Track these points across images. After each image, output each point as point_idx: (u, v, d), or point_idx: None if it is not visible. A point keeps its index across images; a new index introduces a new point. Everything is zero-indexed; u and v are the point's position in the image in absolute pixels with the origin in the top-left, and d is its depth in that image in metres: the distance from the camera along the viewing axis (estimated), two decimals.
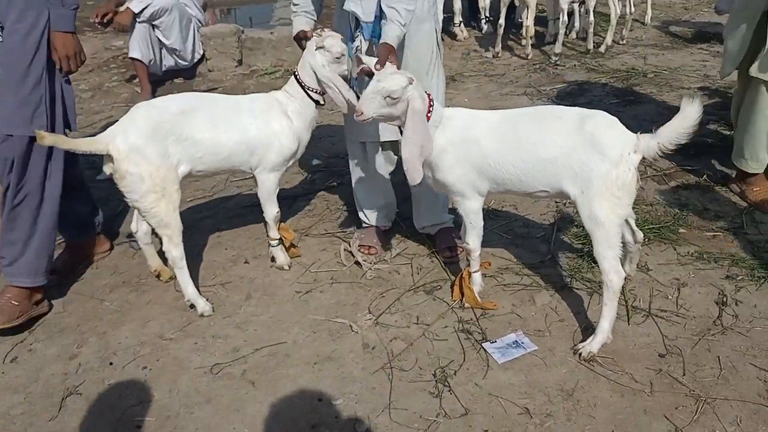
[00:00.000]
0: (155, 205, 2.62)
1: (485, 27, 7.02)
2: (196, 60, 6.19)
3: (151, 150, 2.58)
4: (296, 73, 2.85)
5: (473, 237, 2.64)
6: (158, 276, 3.07)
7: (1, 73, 2.57)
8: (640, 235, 2.61)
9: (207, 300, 2.86)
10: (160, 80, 6.07)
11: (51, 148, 2.66)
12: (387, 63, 2.42)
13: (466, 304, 2.74)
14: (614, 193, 2.24)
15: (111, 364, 2.56)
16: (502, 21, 6.08)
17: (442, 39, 6.41)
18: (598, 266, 2.40)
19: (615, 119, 2.32)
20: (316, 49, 2.74)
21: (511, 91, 5.40)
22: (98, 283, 3.12)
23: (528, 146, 2.34)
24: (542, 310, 2.71)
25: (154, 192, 2.59)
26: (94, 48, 7.51)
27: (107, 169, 2.63)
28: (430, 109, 2.43)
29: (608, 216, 2.26)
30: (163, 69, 5.95)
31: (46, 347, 2.69)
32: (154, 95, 5.74)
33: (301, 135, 2.88)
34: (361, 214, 3.31)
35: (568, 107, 2.49)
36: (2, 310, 2.70)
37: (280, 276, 3.07)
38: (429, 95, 2.46)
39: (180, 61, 6.02)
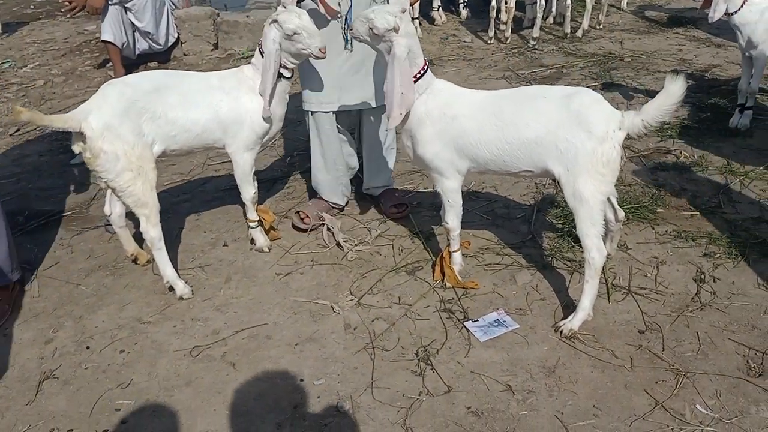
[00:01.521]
0: (131, 184, 2.57)
1: (464, 12, 6.99)
2: (170, 43, 6.07)
3: (126, 128, 2.53)
4: (259, 44, 2.76)
5: (452, 216, 2.63)
6: (135, 260, 3.02)
7: None
8: (621, 213, 2.63)
9: (186, 283, 2.82)
10: (134, 64, 5.94)
11: None
12: None
13: (448, 284, 2.73)
14: (599, 170, 2.24)
15: (88, 348, 2.52)
16: (494, 3, 6.04)
17: (420, 24, 6.46)
18: (578, 246, 2.42)
19: (600, 96, 2.33)
20: (270, 22, 2.65)
21: (489, 75, 5.40)
22: (73, 267, 3.05)
23: (512, 127, 2.33)
24: (523, 289, 2.71)
25: (129, 170, 2.54)
26: (67, 32, 7.36)
27: (76, 148, 2.57)
28: (422, 73, 2.43)
29: (593, 193, 2.26)
30: (137, 52, 5.82)
31: (22, 332, 2.63)
32: None
33: (274, 110, 2.80)
34: (313, 184, 3.36)
35: (551, 86, 2.48)
36: None
37: (260, 258, 3.04)
38: (426, 61, 2.46)
39: (154, 44, 5.90)
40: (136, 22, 5.64)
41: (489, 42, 6.21)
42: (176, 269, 2.89)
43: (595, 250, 2.34)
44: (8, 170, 4.13)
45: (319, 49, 2.62)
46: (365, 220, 3.31)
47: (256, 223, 3.02)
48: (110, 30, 5.43)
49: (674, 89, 2.18)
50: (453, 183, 2.56)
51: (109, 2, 5.38)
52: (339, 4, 2.82)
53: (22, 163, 4.24)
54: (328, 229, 3.16)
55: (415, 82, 2.41)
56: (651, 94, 4.69)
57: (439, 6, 6.87)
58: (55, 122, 2.49)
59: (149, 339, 2.55)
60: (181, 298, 2.77)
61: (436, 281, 2.78)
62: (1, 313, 2.68)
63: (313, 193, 3.46)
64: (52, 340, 2.57)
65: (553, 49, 5.97)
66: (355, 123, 3.28)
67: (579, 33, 6.23)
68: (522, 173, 2.44)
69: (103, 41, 5.51)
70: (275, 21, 2.62)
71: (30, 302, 2.82)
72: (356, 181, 3.49)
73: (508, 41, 6.20)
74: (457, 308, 2.62)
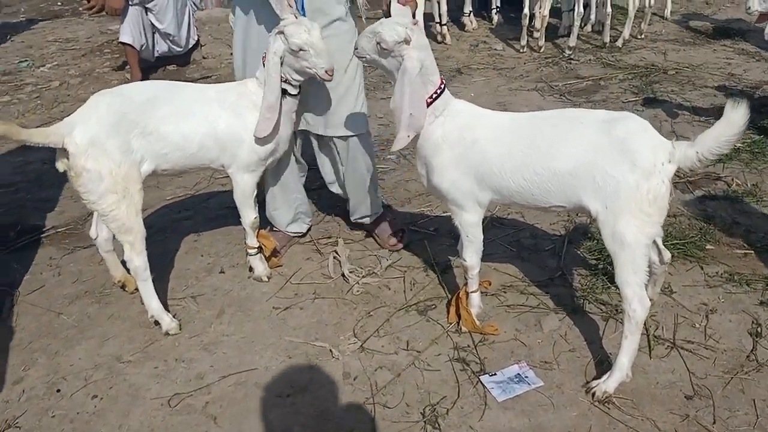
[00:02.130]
0: (115, 208, 2.32)
1: (496, 18, 6.66)
2: (190, 46, 5.86)
3: (113, 144, 2.28)
4: (264, 56, 2.47)
5: (471, 253, 2.31)
6: (123, 287, 2.76)
7: None
8: (667, 255, 2.28)
9: (174, 316, 2.56)
10: (153, 66, 5.75)
11: None
12: (405, 5, 2.20)
13: (463, 328, 2.41)
14: (644, 209, 1.91)
15: (58, 391, 2.26)
16: (527, 10, 5.69)
17: (448, 29, 6.14)
18: (614, 286, 2.08)
19: (646, 123, 1.99)
20: (276, 33, 2.37)
21: (520, 86, 5.05)
22: (58, 292, 2.81)
23: (542, 154, 2.01)
24: (550, 337, 2.38)
25: (114, 192, 2.29)
26: (90, 31, 7.22)
27: (60, 165, 2.32)
28: (438, 92, 2.13)
29: (636, 236, 1.93)
30: (156, 55, 5.63)
31: None
32: None
33: (280, 134, 2.53)
34: (267, 215, 3.03)
35: (590, 110, 2.14)
36: None
37: (258, 288, 2.76)
38: (443, 79, 2.16)
39: (174, 46, 5.70)
40: (156, 24, 5.45)
41: (521, 50, 5.85)
42: (166, 298, 2.65)
43: (637, 301, 2.00)
44: (8, 178, 3.92)
45: (326, 71, 2.35)
46: (375, 247, 3.00)
47: (256, 250, 2.75)
48: (129, 31, 5.27)
49: (735, 118, 1.83)
50: (473, 216, 2.24)
51: (130, 3, 5.21)
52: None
53: (24, 171, 4.04)
54: (335, 257, 2.86)
55: (430, 102, 2.11)
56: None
57: (470, 11, 6.54)
58: (35, 137, 2.24)
59: (126, 383, 2.28)
60: (167, 334, 2.50)
61: (450, 324, 2.46)
62: None
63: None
64: (21, 380, 2.32)
65: (590, 60, 5.59)
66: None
67: (619, 42, 5.84)
68: (553, 208, 2.12)
69: (122, 43, 5.34)
70: (281, 32, 2.34)
71: (4, 332, 2.57)
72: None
73: (542, 50, 5.84)
74: (472, 358, 2.30)
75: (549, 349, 2.33)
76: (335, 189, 3.02)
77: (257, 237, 2.75)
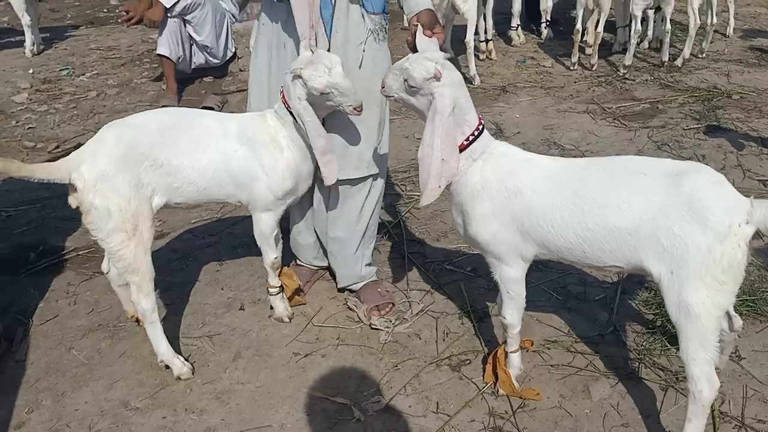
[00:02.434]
0: (123, 247, 2.16)
1: (545, 32, 6.37)
2: (227, 58, 5.75)
3: (122, 178, 2.12)
4: (281, 91, 2.29)
5: (512, 311, 2.06)
6: (137, 321, 2.60)
7: None
8: (738, 322, 2.00)
9: (188, 358, 2.39)
10: (189, 78, 5.67)
11: None
12: (432, 38, 2.01)
13: (501, 391, 2.17)
14: (717, 277, 1.64)
15: None
16: (579, 26, 5.40)
17: (494, 43, 5.87)
18: (675, 348, 1.81)
19: (720, 177, 1.72)
20: (293, 78, 2.15)
21: (570, 108, 4.76)
22: (71, 324, 2.66)
23: (597, 209, 1.75)
24: (599, 407, 2.11)
25: (122, 231, 2.13)
26: (132, 40, 7.20)
27: (72, 200, 2.18)
28: (475, 134, 1.90)
29: (706, 306, 1.66)
30: (193, 66, 5.55)
31: None
32: (180, 95, 5.36)
33: (299, 168, 2.32)
34: (292, 246, 2.82)
35: (654, 159, 1.87)
36: None
37: (279, 330, 2.56)
38: (480, 119, 1.92)
39: (211, 58, 5.60)
40: (194, 36, 5.37)
41: (572, 68, 5.56)
42: (180, 336, 2.48)
43: (705, 380, 1.73)
44: (34, 194, 3.83)
45: (354, 108, 2.13)
46: (406, 287, 2.78)
47: (277, 289, 2.55)
48: (167, 44, 5.20)
49: None
50: (515, 271, 1.99)
51: (168, 15, 5.12)
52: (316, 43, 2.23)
53: (51, 186, 3.89)
54: (354, 306, 2.65)
55: (466, 146, 1.88)
56: (765, 143, 3.96)
57: (518, 25, 6.27)
58: (38, 173, 2.10)
59: None
60: (178, 378, 2.32)
61: (486, 384, 2.22)
62: None
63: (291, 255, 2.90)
64: (23, 425, 2.17)
65: (647, 80, 5.25)
66: None
67: (678, 62, 5.49)
68: (608, 268, 1.86)
69: (159, 55, 5.26)
70: (298, 76, 2.10)
71: (13, 367, 2.43)
72: (392, 239, 2.97)
73: (594, 68, 5.53)
74: (510, 428, 2.05)
75: (598, 421, 2.06)
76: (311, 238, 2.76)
77: (279, 276, 2.55)
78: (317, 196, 2.58)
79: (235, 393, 2.27)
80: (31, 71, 6.13)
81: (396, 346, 2.45)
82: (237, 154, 2.24)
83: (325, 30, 2.21)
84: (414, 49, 2.00)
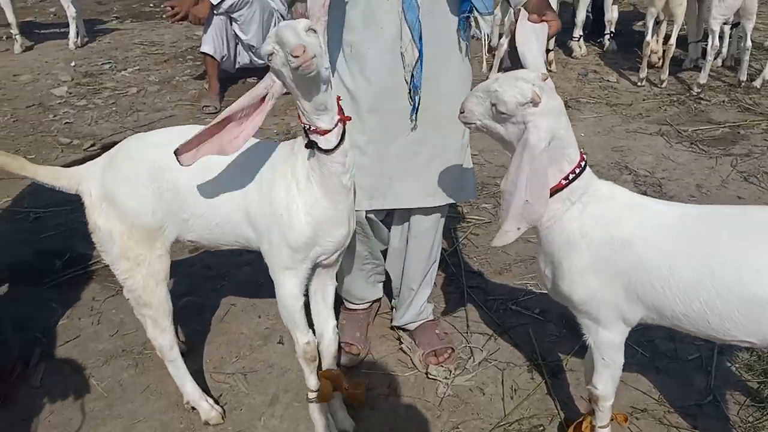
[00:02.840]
0: (129, 276, 1.89)
1: (608, 44, 5.98)
2: None
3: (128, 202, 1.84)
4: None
5: (605, 380, 1.72)
6: None
7: None
8: None
9: (219, 397, 2.11)
10: (232, 78, 5.43)
11: None
12: (540, 24, 1.69)
13: None
14: None
15: None
16: (649, 37, 5.01)
17: (554, 54, 5.50)
18: None
19: None
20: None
21: (640, 128, 4.37)
22: (93, 347, 2.41)
23: (730, 271, 1.42)
24: None
25: (125, 258, 1.86)
26: (176, 35, 7.03)
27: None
28: (576, 172, 1.56)
29: None
30: (237, 66, 5.31)
31: None
32: (222, 95, 5.12)
33: (321, 211, 1.69)
34: (342, 293, 2.42)
35: None
36: None
37: None
38: (583, 154, 1.59)
39: (256, 59, 5.33)
40: (240, 34, 5.12)
41: (639, 84, 5.16)
42: (210, 372, 2.21)
43: None
44: (66, 196, 3.58)
45: (292, 53, 1.36)
46: (466, 329, 2.46)
47: (315, 394, 1.92)
48: (211, 42, 4.98)
49: None
50: (614, 336, 1.66)
51: (215, 12, 4.89)
52: (402, 54, 1.88)
53: None
54: (407, 348, 2.34)
55: (564, 185, 1.55)
56: None
57: (580, 36, 5.90)
58: (42, 176, 1.86)
59: None
60: (206, 423, 2.04)
61: None
62: None
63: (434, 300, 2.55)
64: None
65: (723, 101, 4.83)
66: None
67: (757, 83, 5.05)
68: (735, 342, 1.51)
69: (202, 53, 5.04)
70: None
71: (27, 395, 2.18)
72: (449, 269, 2.65)
73: (664, 85, 5.13)
74: None
75: None
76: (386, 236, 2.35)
77: (321, 375, 1.93)
78: (394, 232, 2.26)
79: None
80: (73, 64, 5.98)
81: (456, 401, 2.13)
82: (253, 186, 1.76)
83: (413, 37, 1.85)
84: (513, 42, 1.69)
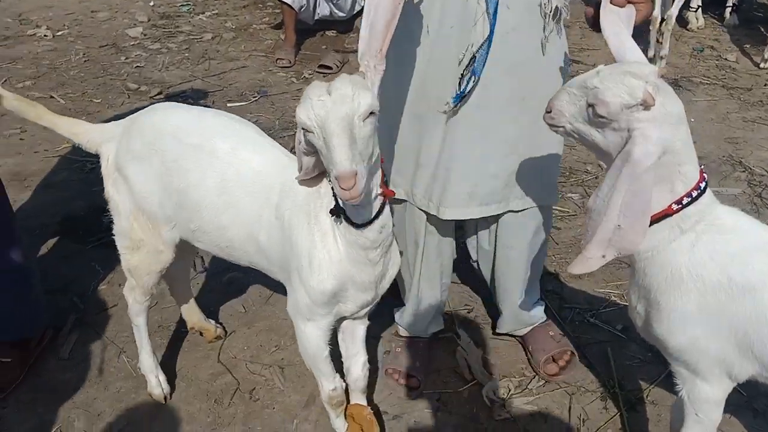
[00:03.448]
0: (126, 253, 1.76)
1: (729, 17, 5.31)
2: (355, 11, 5.18)
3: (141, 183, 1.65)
4: None
5: None
6: (201, 333, 2.17)
7: None
8: None
9: (253, 390, 1.93)
10: (311, 30, 5.17)
11: None
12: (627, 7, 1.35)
13: None
14: None
15: None
16: None
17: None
18: None
19: None
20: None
21: (760, 118, 3.82)
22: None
23: None
24: None
25: (128, 237, 1.70)
26: None
27: None
28: (693, 195, 1.23)
29: None
30: (316, 17, 5.04)
31: (20, 418, 1.89)
32: (298, 48, 4.87)
33: (346, 268, 1.41)
34: (397, 315, 2.13)
35: None
36: None
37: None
38: (703, 172, 1.25)
39: (336, 11, 5.07)
40: None
41: (762, 66, 4.54)
42: (247, 360, 2.06)
43: None
44: None
45: (337, 177, 1.11)
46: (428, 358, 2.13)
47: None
48: None
49: None
50: (714, 392, 1.34)
51: None
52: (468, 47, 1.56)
53: None
54: (467, 360, 2.06)
55: (675, 211, 1.22)
56: None
57: (698, 6, 5.26)
58: (61, 127, 1.72)
59: None
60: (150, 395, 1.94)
61: None
62: (4, 381, 1.94)
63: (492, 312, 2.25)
64: None
65: None
66: None
67: None
68: None
69: (280, 1, 4.79)
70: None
71: (54, 368, 2.06)
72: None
73: None
74: None
75: None
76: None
77: (347, 415, 1.75)
78: (482, 235, 1.96)
79: None
80: (152, 3, 5.87)
81: (513, 426, 1.85)
82: (271, 218, 1.48)
83: (487, 8, 1.51)
84: (595, 27, 1.35)
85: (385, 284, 1.50)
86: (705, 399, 1.35)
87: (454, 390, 1.98)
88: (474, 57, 1.55)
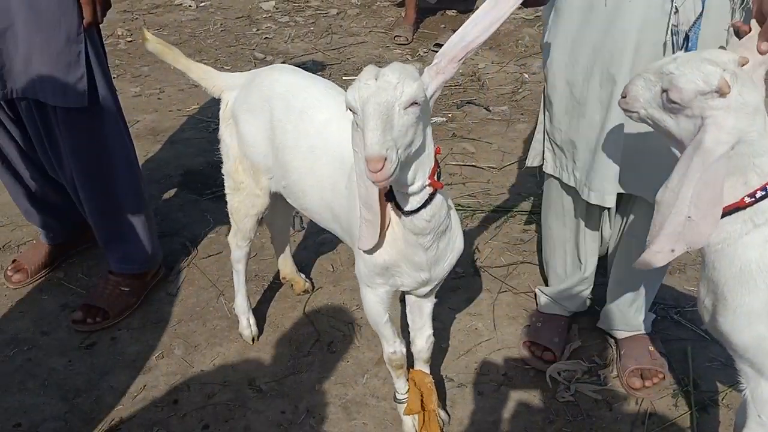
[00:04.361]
0: (229, 194, 1.97)
1: None
2: None
3: (250, 131, 1.81)
4: None
5: None
6: (291, 286, 2.34)
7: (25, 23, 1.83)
8: None
9: (330, 345, 2.07)
10: (432, 9, 5.22)
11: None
12: None
13: None
14: None
15: (175, 402, 1.92)
16: None
17: None
18: None
19: None
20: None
21: None
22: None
23: None
24: None
25: (232, 178, 1.90)
26: None
27: None
28: (767, 189, 1.20)
29: None
30: None
31: (129, 341, 2.15)
32: (417, 26, 4.95)
33: (400, 253, 1.44)
34: (538, 291, 2.17)
35: None
36: None
37: (440, 340, 2.09)
38: None
39: None
40: None
41: None
42: (329, 315, 2.21)
43: None
44: None
45: (367, 159, 1.13)
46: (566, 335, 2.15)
47: (404, 396, 1.80)
48: None
49: None
50: None
51: None
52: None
53: None
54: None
55: (748, 204, 1.19)
56: None
57: None
58: (193, 72, 1.93)
59: (244, 421, 1.86)
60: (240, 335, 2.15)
61: None
62: (121, 307, 2.22)
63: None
64: (149, 370, 2.04)
65: None
66: None
67: None
68: None
69: None
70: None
71: (161, 300, 2.32)
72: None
73: None
74: None
75: None
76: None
77: (408, 379, 1.79)
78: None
79: (365, 408, 1.91)
80: None
81: (575, 410, 1.88)
82: (342, 187, 1.56)
83: None
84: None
85: (442, 269, 1.52)
86: None
87: (520, 367, 2.03)
88: (687, 36, 1.50)
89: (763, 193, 1.19)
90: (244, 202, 1.90)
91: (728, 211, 1.22)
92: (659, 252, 1.22)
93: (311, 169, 1.65)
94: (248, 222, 1.94)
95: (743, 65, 1.16)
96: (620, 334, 2.04)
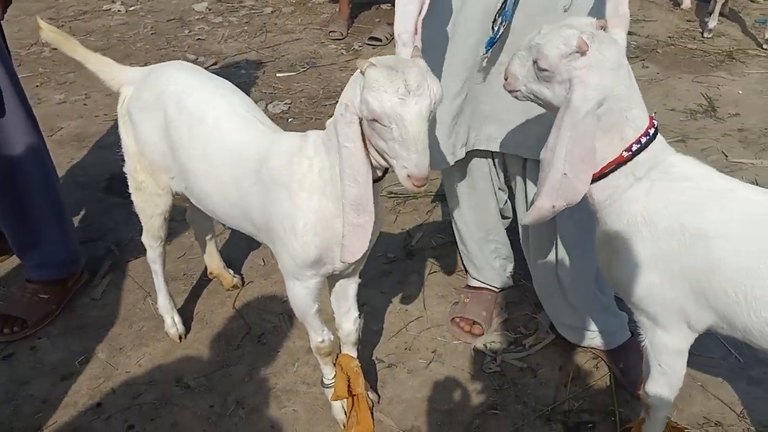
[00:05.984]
0: (132, 193, 1.91)
1: None
2: None
3: (146, 128, 1.76)
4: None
5: (659, 388, 1.42)
6: (221, 282, 2.32)
7: None
8: None
9: (261, 336, 2.05)
10: (365, 4, 5.24)
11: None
12: None
13: None
14: None
15: (99, 405, 1.87)
16: None
17: None
18: None
19: None
20: (356, 74, 1.24)
21: None
22: None
23: None
24: None
25: (132, 177, 1.86)
26: None
27: None
28: (642, 141, 1.24)
29: None
30: None
31: (50, 349, 2.08)
32: (351, 21, 4.95)
33: (332, 228, 1.40)
34: (467, 263, 2.17)
35: None
36: None
37: (368, 325, 2.11)
38: (653, 118, 1.27)
39: None
40: None
41: None
42: (260, 309, 2.19)
43: None
44: None
45: (409, 176, 1.17)
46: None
47: (331, 382, 1.78)
48: None
49: None
50: (674, 341, 1.35)
51: None
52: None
53: None
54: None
55: (629, 156, 1.23)
56: None
57: None
58: (90, 62, 1.84)
59: (171, 417, 1.83)
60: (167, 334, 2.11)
61: None
62: (40, 315, 2.16)
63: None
64: (70, 376, 1.98)
65: None
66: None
67: None
68: None
69: None
70: (362, 72, 1.20)
71: (85, 306, 2.26)
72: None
73: None
74: None
75: None
76: (507, 211, 2.09)
77: (336, 365, 1.77)
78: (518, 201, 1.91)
79: (296, 395, 1.90)
80: None
81: (501, 379, 1.90)
82: (253, 185, 1.50)
83: None
84: None
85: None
86: (665, 348, 1.36)
87: (448, 343, 2.04)
88: (503, 5, 1.52)
89: (639, 146, 1.23)
90: (147, 201, 1.86)
91: (611, 168, 1.26)
92: (541, 208, 1.25)
93: (208, 171, 1.59)
94: (155, 221, 1.90)
95: (602, 28, 1.20)
96: (599, 344, 1.92)
